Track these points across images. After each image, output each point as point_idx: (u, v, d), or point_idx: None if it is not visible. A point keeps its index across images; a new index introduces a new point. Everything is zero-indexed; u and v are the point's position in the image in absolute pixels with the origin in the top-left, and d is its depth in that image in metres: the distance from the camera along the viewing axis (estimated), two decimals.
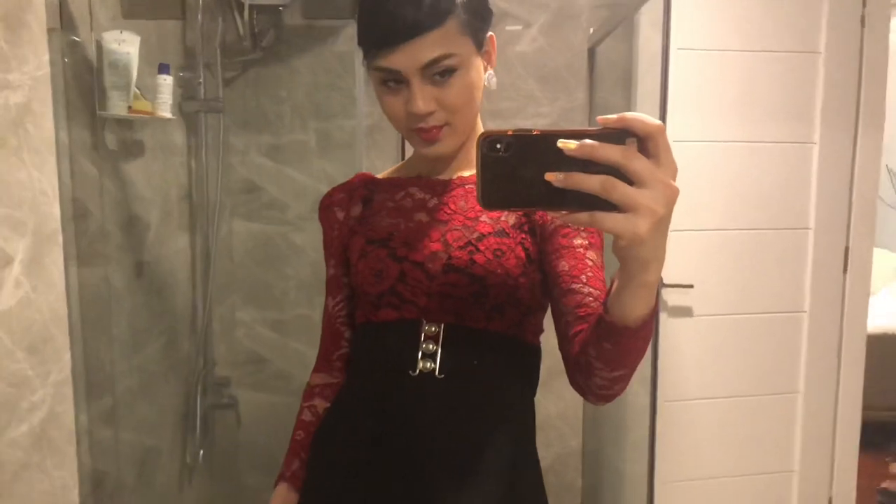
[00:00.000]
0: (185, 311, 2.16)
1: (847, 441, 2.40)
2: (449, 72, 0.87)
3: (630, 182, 0.56)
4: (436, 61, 0.85)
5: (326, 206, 1.09)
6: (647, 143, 0.57)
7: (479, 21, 0.90)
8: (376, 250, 0.96)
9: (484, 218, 0.95)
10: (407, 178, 1.04)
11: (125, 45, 1.47)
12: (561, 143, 0.56)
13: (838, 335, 2.35)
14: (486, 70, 0.94)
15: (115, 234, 1.68)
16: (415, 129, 0.91)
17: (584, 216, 0.57)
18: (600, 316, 0.72)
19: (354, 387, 1.00)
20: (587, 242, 0.91)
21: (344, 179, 1.11)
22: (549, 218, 0.94)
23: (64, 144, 1.39)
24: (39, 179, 1.34)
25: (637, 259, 0.62)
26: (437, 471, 0.88)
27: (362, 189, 1.06)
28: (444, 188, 0.99)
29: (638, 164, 0.56)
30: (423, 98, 0.87)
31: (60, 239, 1.41)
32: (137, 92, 1.53)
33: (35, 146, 1.33)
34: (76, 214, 1.45)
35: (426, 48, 0.84)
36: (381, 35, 0.86)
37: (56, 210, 1.40)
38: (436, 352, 0.91)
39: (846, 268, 2.31)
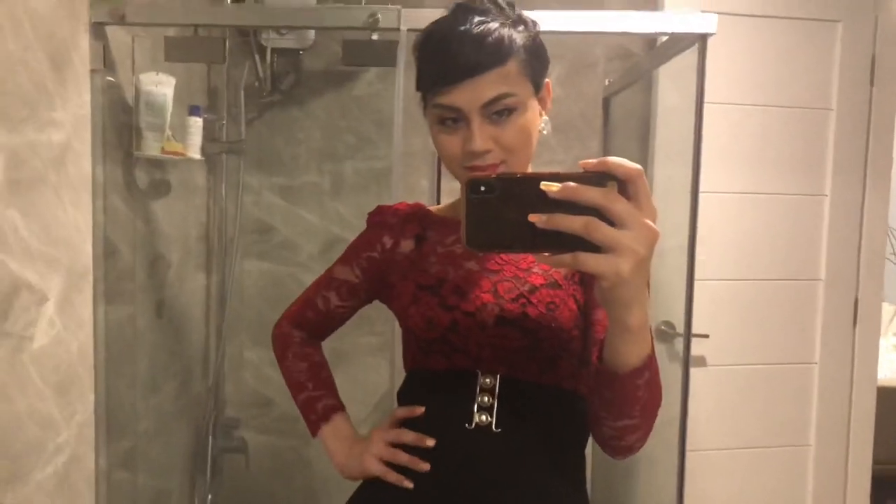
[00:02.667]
0: (198, 350, 2.14)
1: (857, 494, 2.39)
2: (508, 111, 0.87)
3: (611, 223, 0.57)
4: (496, 100, 0.86)
5: (377, 224, 1.08)
6: (627, 186, 0.59)
7: (537, 64, 0.91)
8: (427, 297, 0.95)
9: (536, 269, 0.95)
10: (458, 219, 1.04)
11: (162, 86, 1.49)
12: (544, 185, 0.58)
13: (849, 387, 2.35)
14: (540, 115, 0.94)
15: (140, 273, 1.67)
16: (469, 167, 0.91)
17: (567, 257, 0.59)
18: (596, 363, 0.74)
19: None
20: None
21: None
22: None
23: (99, 183, 1.40)
24: (75, 217, 1.34)
25: (620, 301, 0.63)
26: None
27: (416, 224, 1.05)
28: None
29: (619, 205, 0.57)
30: (482, 136, 0.87)
31: (91, 277, 1.40)
32: (168, 133, 1.54)
33: (73, 184, 1.33)
34: (106, 252, 1.44)
35: (487, 86, 0.86)
36: (443, 73, 0.87)
37: (88, 247, 1.39)
38: (492, 405, 0.90)
39: (856, 320, 2.33)
